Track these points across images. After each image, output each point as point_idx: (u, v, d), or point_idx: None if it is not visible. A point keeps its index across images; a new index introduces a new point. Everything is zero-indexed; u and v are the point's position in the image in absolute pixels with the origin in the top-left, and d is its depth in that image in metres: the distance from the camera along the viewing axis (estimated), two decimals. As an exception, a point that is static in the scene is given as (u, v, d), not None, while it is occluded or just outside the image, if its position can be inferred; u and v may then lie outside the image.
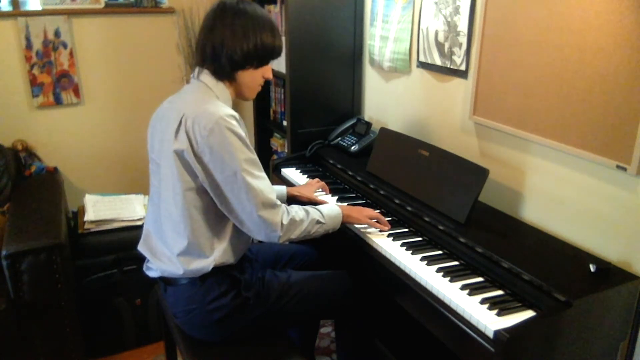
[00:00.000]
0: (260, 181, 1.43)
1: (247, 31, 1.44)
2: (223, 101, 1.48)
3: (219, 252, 1.47)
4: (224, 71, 1.47)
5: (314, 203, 1.89)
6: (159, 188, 1.50)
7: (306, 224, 1.52)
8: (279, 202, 1.47)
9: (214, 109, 1.39)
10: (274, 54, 1.52)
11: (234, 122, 1.40)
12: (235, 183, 1.39)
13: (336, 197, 1.94)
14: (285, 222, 1.46)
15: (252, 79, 1.52)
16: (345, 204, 1.88)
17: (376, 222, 1.67)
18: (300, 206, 1.56)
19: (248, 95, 1.57)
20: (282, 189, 1.90)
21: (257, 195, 1.41)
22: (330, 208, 1.62)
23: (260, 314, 1.53)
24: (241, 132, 1.41)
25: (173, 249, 1.47)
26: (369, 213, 1.69)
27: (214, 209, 1.45)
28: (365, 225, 1.69)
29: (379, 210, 1.80)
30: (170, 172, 1.43)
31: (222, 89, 1.49)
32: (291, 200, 1.90)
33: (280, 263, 1.79)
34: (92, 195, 2.53)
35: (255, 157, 1.44)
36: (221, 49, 1.44)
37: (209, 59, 1.46)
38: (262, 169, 1.47)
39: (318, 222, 1.55)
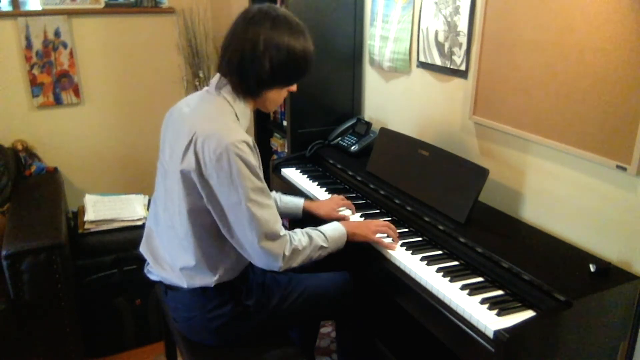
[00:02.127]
0: (266, 211, 1.36)
1: (280, 44, 1.34)
2: (241, 117, 1.41)
3: (222, 271, 1.44)
4: (250, 90, 1.39)
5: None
6: (165, 196, 1.46)
7: (309, 251, 1.46)
8: (282, 232, 1.40)
9: (226, 133, 1.31)
10: (304, 70, 1.42)
11: (246, 149, 1.31)
12: (239, 211, 1.33)
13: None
14: (287, 253, 1.40)
15: (278, 95, 1.46)
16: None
17: (385, 236, 1.61)
18: (303, 231, 1.49)
19: (270, 108, 1.51)
20: (298, 202, 1.79)
21: (261, 226, 1.34)
22: (334, 228, 1.55)
23: (260, 320, 1.51)
24: (251, 159, 1.33)
25: (176, 262, 1.45)
26: (375, 228, 1.60)
27: (217, 229, 1.40)
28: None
29: (390, 219, 1.78)
30: (177, 189, 1.38)
31: (242, 106, 1.42)
32: (306, 214, 1.79)
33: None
34: (92, 195, 2.53)
35: (263, 185, 1.36)
36: (249, 67, 1.34)
37: (235, 74, 1.37)
38: (270, 197, 1.40)
39: (321, 247, 1.49)
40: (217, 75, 1.44)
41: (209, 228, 1.40)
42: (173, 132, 1.43)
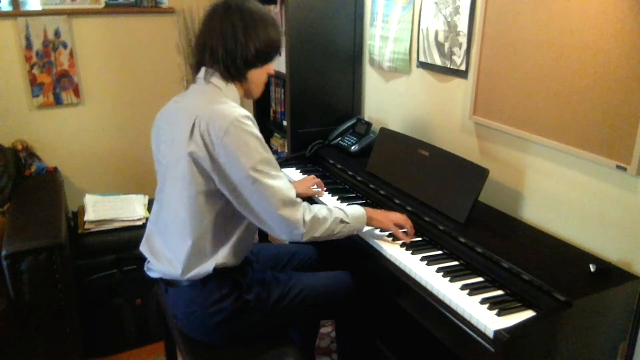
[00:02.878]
0: (278, 180, 1.41)
1: (257, 29, 1.44)
2: (233, 100, 1.47)
3: (221, 255, 1.46)
4: (238, 72, 1.46)
5: (308, 198, 1.93)
6: (164, 189, 1.49)
7: (330, 222, 1.49)
8: (299, 200, 1.45)
9: (228, 110, 1.38)
10: (279, 49, 1.53)
11: (249, 122, 1.39)
12: (252, 184, 1.37)
13: (336, 197, 1.94)
14: (307, 218, 1.44)
15: (260, 76, 1.53)
16: (346, 204, 1.88)
17: (402, 230, 1.63)
18: (322, 205, 1.54)
19: (256, 93, 1.57)
20: None
21: (276, 194, 1.39)
22: (354, 208, 1.59)
23: (261, 316, 1.52)
24: (257, 131, 1.40)
25: (176, 252, 1.46)
26: (394, 218, 1.63)
27: (223, 214, 1.44)
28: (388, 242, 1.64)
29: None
30: (181, 175, 1.41)
31: (232, 90, 1.48)
32: None
33: (281, 263, 1.79)
34: (92, 195, 2.53)
35: (271, 156, 1.42)
36: (234, 50, 1.42)
37: (221, 60, 1.44)
38: (279, 168, 1.45)
39: (342, 221, 1.52)
40: (203, 68, 1.49)
41: (215, 211, 1.43)
42: (169, 126, 1.47)
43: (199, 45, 1.49)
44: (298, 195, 1.87)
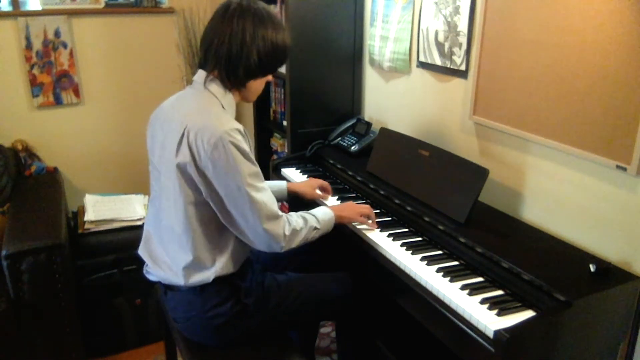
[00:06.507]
0: (263, 194, 1.41)
1: (266, 30, 1.40)
2: (228, 109, 1.44)
3: (220, 264, 1.45)
4: (239, 80, 1.43)
5: (313, 201, 1.90)
6: (160, 195, 1.48)
7: (305, 232, 1.52)
8: (280, 213, 1.45)
9: (218, 123, 1.35)
10: (284, 57, 1.49)
11: (239, 137, 1.36)
12: (239, 197, 1.37)
13: (336, 197, 1.94)
14: (287, 233, 1.45)
15: (260, 84, 1.52)
16: (338, 199, 1.88)
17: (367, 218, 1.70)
18: (298, 214, 1.55)
19: (252, 99, 1.56)
20: (282, 184, 1.89)
21: (261, 209, 1.39)
22: (324, 212, 1.62)
23: (260, 319, 1.52)
24: (245, 146, 1.37)
25: (175, 260, 1.46)
26: (360, 210, 1.70)
27: (215, 222, 1.43)
28: (363, 225, 1.71)
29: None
30: (172, 185, 1.40)
31: (229, 98, 1.46)
32: (290, 196, 1.90)
33: (280, 264, 1.79)
34: (92, 195, 2.53)
35: (258, 169, 1.41)
36: (239, 56, 1.39)
37: (223, 67, 1.40)
38: (264, 180, 1.45)
39: (315, 228, 1.55)
40: (201, 72, 1.46)
41: (207, 221, 1.42)
42: (162, 130, 1.45)
43: (204, 44, 1.44)
44: (301, 197, 1.88)
